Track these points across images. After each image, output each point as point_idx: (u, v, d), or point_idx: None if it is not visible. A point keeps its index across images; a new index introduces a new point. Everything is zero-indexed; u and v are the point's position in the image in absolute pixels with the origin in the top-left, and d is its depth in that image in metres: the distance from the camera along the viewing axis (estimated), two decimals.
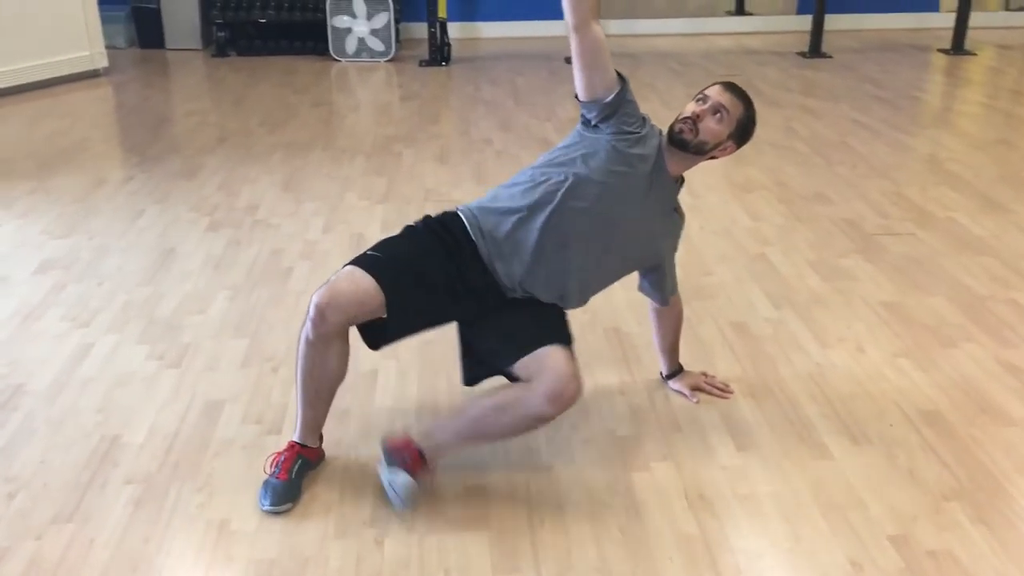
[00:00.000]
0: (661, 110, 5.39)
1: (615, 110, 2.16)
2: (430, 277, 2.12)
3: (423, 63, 6.72)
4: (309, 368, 2.12)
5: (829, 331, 2.87)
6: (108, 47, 6.65)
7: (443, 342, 2.58)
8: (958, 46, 6.93)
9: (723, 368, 2.67)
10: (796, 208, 3.88)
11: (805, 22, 7.03)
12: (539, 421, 2.03)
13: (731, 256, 3.43)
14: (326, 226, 3.71)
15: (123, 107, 5.75)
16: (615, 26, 7.81)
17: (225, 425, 2.42)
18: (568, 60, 6.64)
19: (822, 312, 2.99)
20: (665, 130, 2.24)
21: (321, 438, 2.24)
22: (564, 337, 2.12)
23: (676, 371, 2.58)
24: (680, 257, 3.35)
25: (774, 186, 4.14)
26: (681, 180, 2.33)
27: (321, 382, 2.15)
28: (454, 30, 7.33)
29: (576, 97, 2.20)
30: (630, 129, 2.17)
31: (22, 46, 5.79)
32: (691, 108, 2.21)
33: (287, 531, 2.04)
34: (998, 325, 2.89)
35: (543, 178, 2.17)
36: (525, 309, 2.19)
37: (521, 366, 2.06)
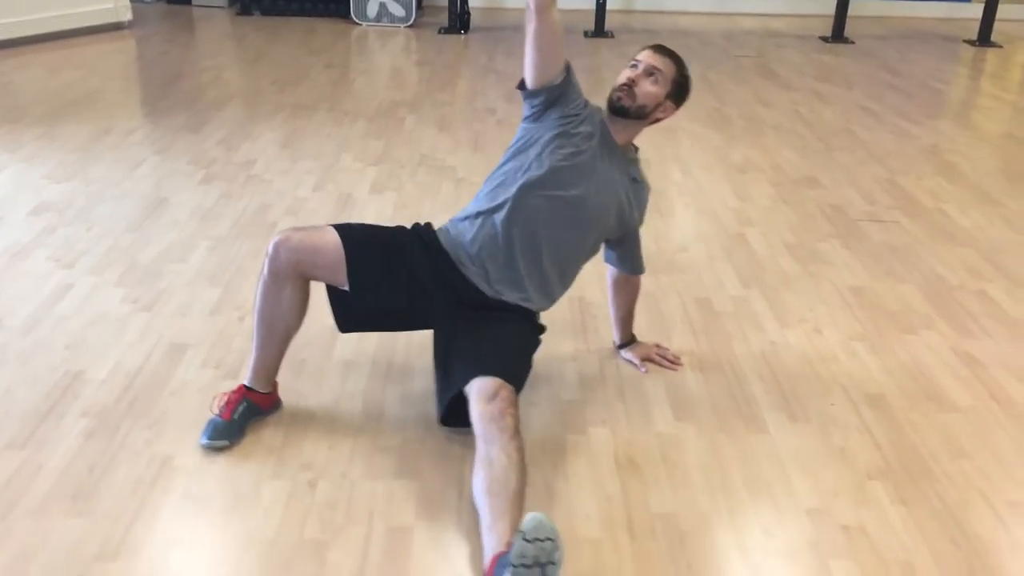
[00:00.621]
0: None
1: (563, 93, 2.20)
2: (397, 260, 2.20)
3: (442, 30, 6.75)
4: (261, 307, 2.20)
5: (791, 312, 2.90)
6: (134, 1, 6.76)
7: None
8: (984, 37, 6.82)
9: (678, 341, 2.71)
10: (785, 191, 3.88)
11: (833, 6, 6.94)
12: (502, 435, 1.92)
13: (710, 234, 3.45)
14: (317, 184, 3.78)
15: (141, 60, 5.86)
16: (641, 2, 7.78)
17: (185, 367, 2.50)
18: (587, 34, 6.68)
19: (788, 293, 3.01)
20: (604, 104, 2.27)
21: (274, 387, 2.32)
22: (505, 372, 2.05)
23: (629, 341, 2.62)
24: (658, 231, 3.43)
25: (768, 168, 4.14)
26: (635, 150, 2.36)
27: (273, 323, 2.21)
28: None
29: (521, 88, 2.24)
30: (574, 111, 2.22)
31: None
32: (626, 75, 2.25)
33: (225, 469, 2.12)
34: (962, 315, 2.90)
35: (501, 179, 2.24)
36: (491, 333, 2.18)
37: (468, 389, 2.04)
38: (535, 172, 2.19)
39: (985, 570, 1.88)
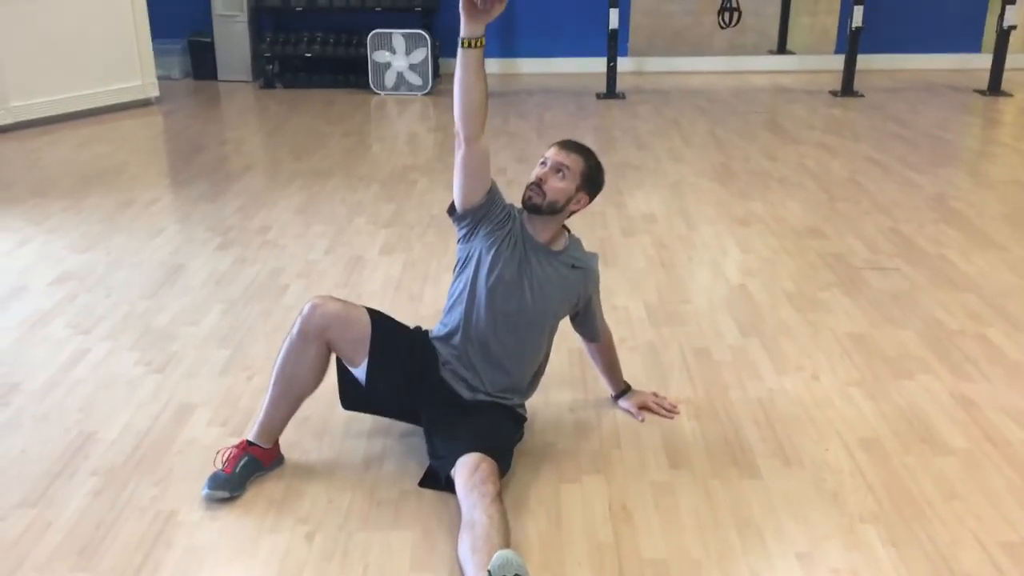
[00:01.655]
0: (681, 147, 5.49)
1: (487, 211, 2.33)
2: (414, 358, 2.37)
3: None
4: (283, 363, 2.30)
5: (789, 359, 2.92)
6: (163, 78, 7.03)
7: None
8: (994, 87, 6.88)
9: (676, 390, 2.75)
10: (787, 242, 3.93)
11: (842, 62, 7.04)
12: (483, 500, 2.02)
13: (711, 286, 3.50)
14: (329, 248, 3.89)
15: (166, 134, 6.08)
16: (653, 63, 7.93)
17: (192, 426, 2.58)
18: (599, 95, 6.84)
19: (787, 341, 3.04)
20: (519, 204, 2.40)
21: (276, 444, 2.38)
22: (487, 448, 2.18)
23: (624, 391, 2.66)
24: (660, 284, 3.50)
25: (772, 220, 4.19)
26: (567, 235, 2.46)
27: (291, 382, 2.31)
28: (494, 65, 7.53)
29: (450, 213, 2.37)
30: (497, 224, 2.34)
31: (79, 76, 6.17)
32: (535, 173, 2.36)
33: (226, 523, 2.18)
34: (960, 360, 2.91)
35: (451, 302, 2.41)
36: (474, 417, 2.33)
37: (454, 472, 2.16)
38: (475, 298, 2.35)
39: None
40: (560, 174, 2.33)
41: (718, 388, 2.76)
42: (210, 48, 7.54)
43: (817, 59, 7.96)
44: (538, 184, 2.32)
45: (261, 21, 7.55)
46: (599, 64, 7.01)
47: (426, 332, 2.48)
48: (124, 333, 3.14)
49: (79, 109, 6.20)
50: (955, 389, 2.73)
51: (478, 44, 2.14)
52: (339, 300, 2.34)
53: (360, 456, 2.44)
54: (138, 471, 2.38)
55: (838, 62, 7.08)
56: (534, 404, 2.65)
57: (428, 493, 2.28)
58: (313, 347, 2.28)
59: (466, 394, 2.37)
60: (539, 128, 5.98)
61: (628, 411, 2.63)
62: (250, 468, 2.31)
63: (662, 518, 2.18)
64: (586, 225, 4.10)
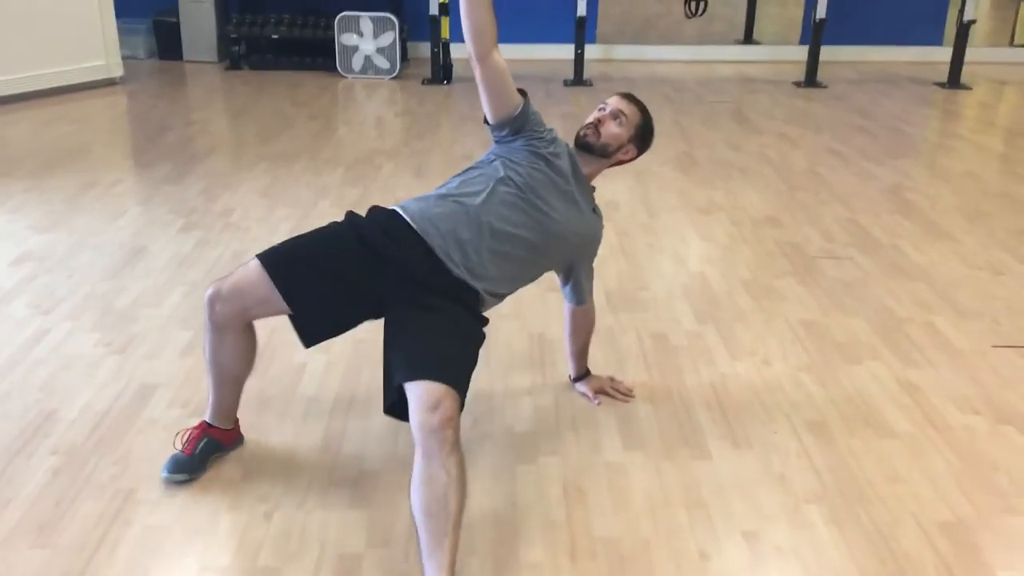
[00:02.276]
0: None
1: (524, 123, 2.34)
2: (329, 265, 2.18)
3: (425, 81, 6.94)
4: (210, 355, 2.27)
5: (742, 345, 2.99)
6: (128, 58, 6.96)
7: (375, 341, 2.72)
8: (954, 80, 7.00)
9: (632, 374, 2.80)
10: (746, 231, 4.00)
11: (807, 53, 7.13)
12: (441, 449, 1.91)
13: (670, 273, 3.56)
14: (292, 230, 3.89)
15: (130, 115, 6.04)
16: (621, 51, 7.98)
17: (153, 407, 2.60)
18: (567, 82, 6.88)
19: (741, 328, 3.11)
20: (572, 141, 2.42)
21: (236, 423, 2.41)
22: (445, 375, 1.99)
23: (583, 375, 2.72)
24: (620, 271, 3.55)
25: (732, 209, 4.26)
26: (592, 188, 2.49)
27: (221, 368, 2.28)
28: (462, 50, 7.52)
29: (485, 122, 2.38)
30: (540, 133, 2.35)
31: (40, 54, 6.10)
32: (594, 115, 2.41)
33: (185, 502, 2.21)
34: (908, 346, 2.99)
35: (477, 175, 2.32)
36: (432, 324, 2.13)
37: (408, 389, 2.00)
38: (508, 178, 2.27)
39: None
40: (618, 120, 2.39)
41: (673, 372, 2.83)
42: (175, 28, 7.47)
43: (782, 49, 8.04)
44: (595, 125, 2.38)
45: (227, 1, 7.49)
46: (567, 51, 7.04)
47: (375, 210, 2.33)
48: (85, 314, 3.14)
49: (42, 88, 6.13)
50: (901, 375, 2.82)
51: None
52: (229, 276, 2.19)
53: (319, 437, 2.48)
54: (98, 450, 2.40)
55: (803, 53, 7.17)
56: (492, 389, 2.71)
57: (386, 473, 2.32)
58: (229, 334, 2.21)
59: (447, 261, 2.18)
60: None
61: (585, 395, 2.68)
62: (209, 449, 2.33)
63: (614, 498, 2.24)
64: None
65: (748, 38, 8.65)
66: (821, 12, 6.83)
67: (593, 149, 2.40)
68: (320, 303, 2.19)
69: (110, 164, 4.89)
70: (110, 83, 6.58)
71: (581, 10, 6.72)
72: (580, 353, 2.72)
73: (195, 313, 3.15)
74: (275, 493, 2.25)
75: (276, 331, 2.86)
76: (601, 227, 2.55)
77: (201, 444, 2.32)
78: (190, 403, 2.61)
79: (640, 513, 2.19)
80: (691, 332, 3.08)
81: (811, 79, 6.98)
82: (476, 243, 2.21)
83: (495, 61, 2.25)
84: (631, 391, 2.70)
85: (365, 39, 7.05)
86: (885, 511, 2.20)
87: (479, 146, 5.20)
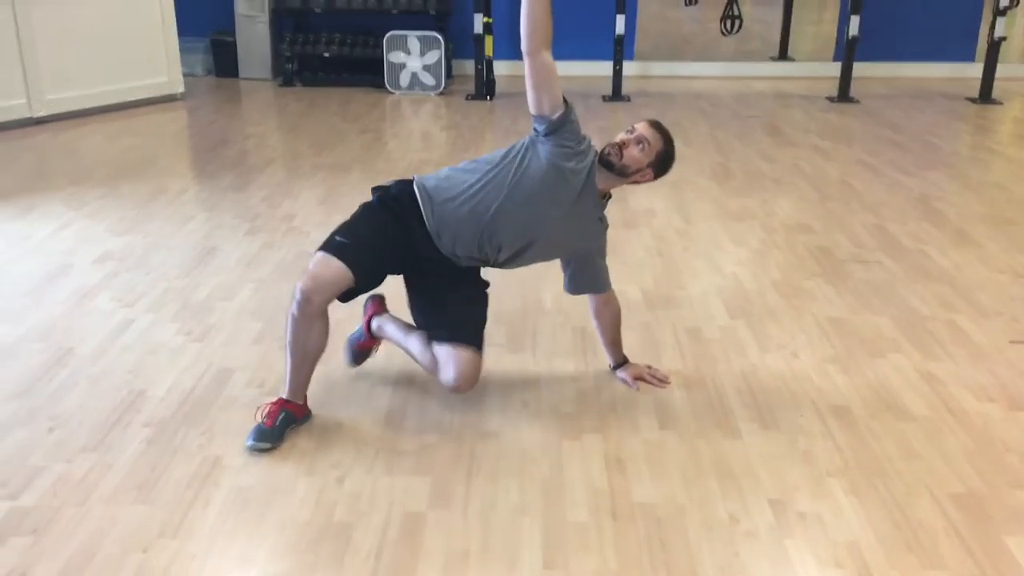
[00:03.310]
0: (682, 148, 5.73)
1: (558, 127, 2.61)
2: (386, 251, 2.65)
3: (469, 97, 7.22)
4: (295, 339, 2.56)
5: (772, 339, 3.20)
6: (187, 75, 7.33)
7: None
8: (985, 95, 7.15)
9: (668, 364, 3.02)
10: (777, 236, 4.21)
11: (840, 68, 7.31)
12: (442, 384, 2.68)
13: (704, 274, 3.78)
14: None
15: (191, 128, 6.38)
16: (658, 68, 8.22)
17: (232, 387, 2.87)
18: (605, 98, 7.13)
19: (772, 323, 3.32)
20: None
21: (305, 399, 2.67)
22: (477, 340, 2.71)
23: (622, 362, 2.94)
24: (656, 272, 3.78)
25: (764, 217, 4.47)
26: (608, 196, 2.76)
27: (305, 352, 2.58)
28: (504, 67, 7.83)
29: (531, 113, 2.65)
30: (568, 144, 2.61)
31: (109, 71, 6.47)
32: (620, 137, 2.66)
33: (266, 467, 2.47)
34: (929, 341, 3.19)
35: (491, 176, 2.62)
36: (458, 300, 2.74)
37: (440, 348, 2.68)
38: (519, 187, 2.60)
39: (920, 547, 2.16)
40: (641, 146, 2.64)
41: (706, 362, 3.04)
42: (232, 47, 7.84)
43: (817, 66, 8.23)
44: (620, 147, 2.64)
45: (282, 21, 7.85)
46: (606, 68, 7.29)
47: (411, 189, 2.69)
48: (164, 307, 3.43)
49: (109, 103, 6.50)
50: (922, 367, 3.01)
51: None
52: (318, 271, 2.52)
53: (383, 414, 2.73)
54: (185, 423, 2.67)
55: (837, 69, 7.36)
56: (539, 375, 2.95)
57: (444, 445, 2.56)
58: (317, 321, 2.54)
59: (442, 248, 2.66)
60: None
61: (624, 381, 2.91)
62: (287, 421, 2.60)
63: (652, 470, 2.46)
64: None
65: (783, 55, 8.85)
66: (853, 30, 7.02)
67: (613, 168, 2.66)
68: (374, 277, 2.69)
69: (175, 174, 5.22)
70: (171, 99, 6.94)
71: (619, 28, 6.98)
72: (613, 342, 2.95)
73: (264, 306, 3.42)
74: (346, 460, 2.50)
75: (341, 322, 3.13)
76: (604, 231, 2.81)
77: (280, 417, 2.58)
78: (265, 383, 2.87)
79: (675, 483, 2.41)
80: (724, 327, 3.30)
81: (844, 94, 7.16)
82: (478, 247, 2.65)
83: (544, 58, 2.56)
84: (667, 378, 2.92)
85: (412, 57, 7.36)
86: (901, 484, 2.40)
87: None
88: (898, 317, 3.37)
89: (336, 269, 2.53)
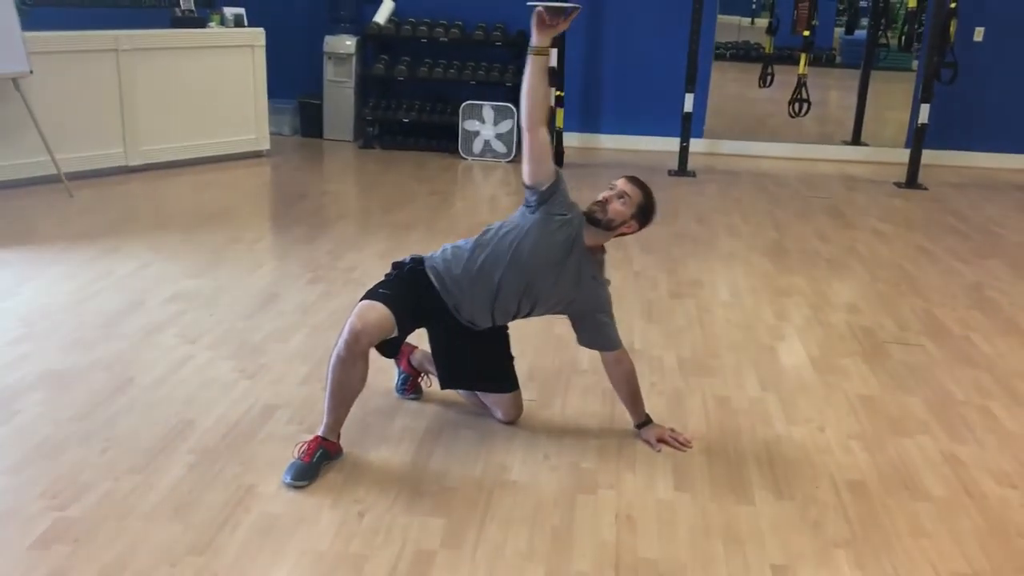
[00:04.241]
0: (739, 223, 5.85)
1: (549, 197, 2.83)
2: (417, 308, 2.87)
3: None
4: (338, 380, 2.75)
5: (800, 412, 3.25)
6: (275, 134, 7.73)
7: (455, 395, 3.13)
8: None
9: (692, 428, 3.10)
10: (822, 314, 4.25)
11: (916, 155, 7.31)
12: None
13: (742, 346, 3.85)
14: None
15: (273, 183, 6.73)
16: (727, 146, 8.34)
17: (275, 422, 3.05)
18: (670, 172, 7.27)
19: (802, 397, 3.37)
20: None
21: (339, 437, 2.83)
22: (515, 384, 3.09)
23: (644, 422, 3.03)
24: (696, 341, 3.86)
25: (811, 294, 4.52)
26: (602, 251, 2.96)
27: (345, 392, 2.77)
28: (575, 139, 8.06)
29: (524, 184, 2.87)
30: (558, 213, 2.83)
31: (202, 127, 6.89)
32: (603, 194, 2.88)
33: (294, 498, 2.62)
34: (959, 425, 3.19)
35: (490, 250, 2.86)
36: (489, 353, 3.05)
37: (487, 396, 3.08)
38: (514, 260, 2.83)
39: None
40: (623, 200, 2.85)
41: (731, 431, 3.11)
42: (318, 109, 8.25)
43: (887, 151, 8.24)
44: (603, 203, 2.86)
45: (366, 87, 8.24)
46: (674, 143, 7.45)
47: (415, 264, 2.94)
48: (224, 345, 3.65)
49: (199, 156, 6.91)
50: (947, 449, 3.02)
51: (544, 52, 2.74)
52: (366, 314, 2.73)
53: (410, 457, 2.87)
54: (227, 453, 2.85)
55: (907, 156, 7.36)
56: (565, 430, 3.06)
57: (464, 489, 2.68)
58: (360, 362, 2.75)
59: (460, 318, 2.91)
60: None
61: (647, 442, 2.99)
62: (323, 458, 2.76)
63: (661, 528, 2.54)
64: (638, 286, 4.51)
65: (856, 139, 8.88)
66: (923, 118, 7.05)
67: (600, 223, 2.87)
68: (410, 328, 2.91)
69: (252, 224, 5.53)
70: (257, 155, 7.34)
71: (688, 107, 7.15)
72: (629, 400, 3.06)
73: (315, 351, 3.62)
74: (369, 497, 2.64)
75: (381, 371, 3.30)
76: (604, 291, 2.98)
77: (317, 454, 2.74)
78: (305, 421, 3.04)
79: (681, 542, 2.48)
80: (753, 398, 3.36)
81: (912, 181, 7.16)
82: (491, 315, 2.91)
83: (542, 134, 2.80)
84: (689, 442, 3.00)
85: (486, 125, 7.64)
86: (907, 560, 2.42)
87: None
88: (931, 399, 3.38)
89: (382, 313, 2.75)
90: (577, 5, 2.74)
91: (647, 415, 3.04)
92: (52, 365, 3.41)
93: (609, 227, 2.86)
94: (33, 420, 3.01)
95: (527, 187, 2.85)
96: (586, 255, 2.89)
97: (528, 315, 2.97)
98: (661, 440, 2.99)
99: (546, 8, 2.68)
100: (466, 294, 2.87)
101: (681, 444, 2.98)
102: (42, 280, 4.30)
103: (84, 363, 3.44)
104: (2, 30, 5.40)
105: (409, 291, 2.88)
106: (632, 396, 3.03)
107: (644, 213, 2.89)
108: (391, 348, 2.97)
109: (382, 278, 2.98)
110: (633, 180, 2.91)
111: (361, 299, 2.82)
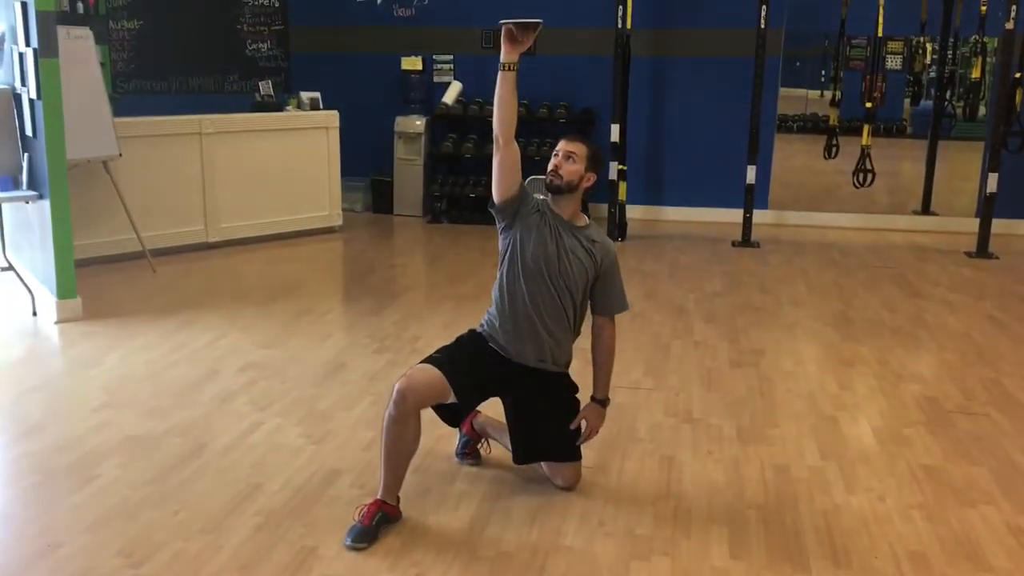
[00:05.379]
0: (804, 293, 5.84)
1: (521, 202, 3.01)
2: (477, 368, 2.99)
3: None
4: (391, 440, 2.85)
5: (860, 482, 3.22)
6: (347, 210, 8.01)
7: (503, 454, 3.20)
8: None
9: (750, 497, 3.10)
10: (886, 384, 4.21)
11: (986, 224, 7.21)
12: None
13: (802, 415, 3.83)
14: None
15: (344, 257, 6.97)
16: (792, 216, 8.34)
17: (338, 487, 3.15)
18: (734, 243, 7.30)
19: (863, 467, 3.34)
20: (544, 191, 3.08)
21: (398, 500, 2.91)
22: (574, 454, 3.18)
23: (602, 400, 3.19)
24: (756, 410, 3.87)
25: (875, 364, 4.48)
26: (587, 223, 3.10)
27: (400, 452, 2.87)
28: (639, 211, 8.16)
29: (491, 208, 3.05)
30: (531, 212, 3.01)
31: (277, 204, 7.19)
32: (552, 163, 3.03)
33: (355, 560, 2.70)
34: None
35: (507, 281, 3.05)
36: (561, 423, 3.15)
37: (551, 465, 3.19)
38: (520, 276, 3.00)
39: None
40: (570, 159, 3.01)
41: (789, 499, 3.10)
42: (389, 186, 8.53)
43: (957, 221, 8.13)
44: (555, 170, 3.02)
45: (434, 165, 8.51)
46: (738, 215, 7.50)
47: (472, 334, 3.12)
48: (292, 412, 3.79)
49: (275, 232, 7.19)
50: (1012, 520, 2.96)
51: (513, 68, 2.91)
52: (415, 374, 2.90)
53: (467, 521, 2.93)
54: (292, 515, 2.95)
55: (976, 225, 7.27)
56: (621, 497, 3.09)
57: (520, 554, 2.73)
58: (412, 420, 2.88)
59: (533, 362, 3.05)
60: (671, 270, 6.49)
61: (585, 419, 3.18)
62: (382, 521, 2.84)
63: None
64: (697, 355, 4.53)
65: (926, 209, 8.80)
66: (991, 187, 6.98)
67: (561, 189, 3.02)
68: (470, 394, 3.00)
69: (323, 296, 5.73)
70: (330, 231, 7.60)
71: (750, 178, 7.21)
72: (605, 368, 3.19)
73: (378, 418, 3.65)
74: (427, 560, 2.70)
75: (443, 438, 3.39)
76: (609, 249, 3.11)
77: (376, 517, 2.83)
78: (367, 486, 3.14)
79: None
80: (812, 467, 3.34)
81: (982, 250, 7.06)
82: (547, 331, 3.05)
83: (514, 147, 2.96)
84: (592, 435, 3.18)
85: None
86: None
87: (640, 297, 5.68)
88: (996, 469, 3.32)
89: (431, 373, 2.88)
90: (539, 20, 2.89)
91: (608, 397, 3.20)
92: (130, 431, 3.58)
93: (571, 188, 3.02)
94: (111, 483, 3.16)
95: (497, 210, 3.02)
96: (570, 225, 3.04)
97: (577, 307, 3.07)
98: (586, 420, 3.16)
99: (515, 25, 2.87)
100: (514, 335, 3.01)
101: (587, 438, 3.18)
102: (124, 351, 4.52)
103: (160, 430, 3.60)
104: (94, 116, 5.77)
105: (465, 356, 2.99)
106: (607, 366, 3.19)
107: (595, 161, 3.06)
108: (454, 416, 3.06)
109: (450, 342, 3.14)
110: (571, 137, 3.08)
111: (419, 362, 2.96)
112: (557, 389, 3.16)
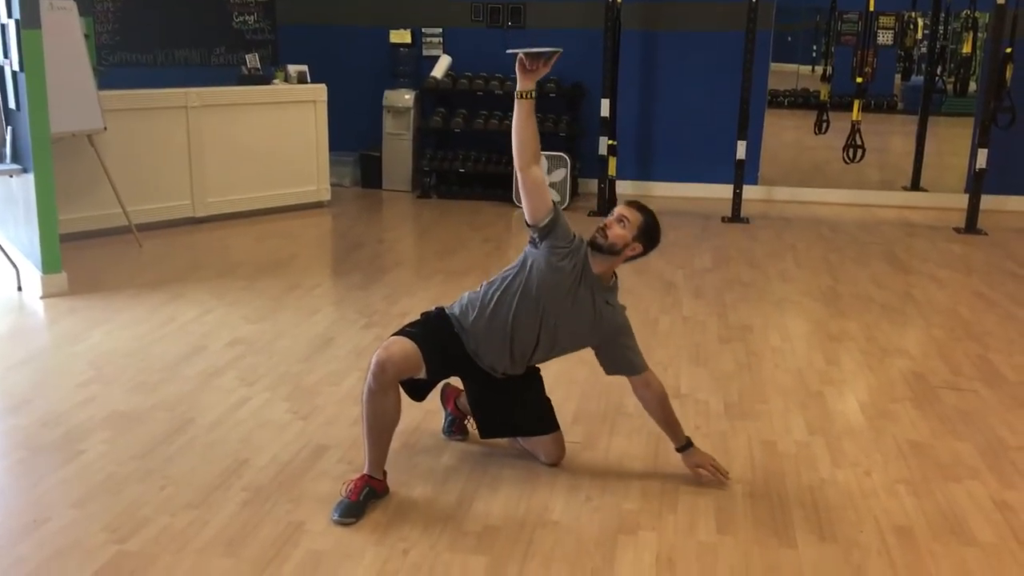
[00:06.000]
0: (792, 268, 5.84)
1: (550, 231, 2.92)
2: (446, 347, 2.96)
3: (591, 213, 7.53)
4: (373, 413, 2.84)
5: (847, 456, 3.23)
6: (335, 185, 7.97)
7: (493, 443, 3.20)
8: None
9: (737, 472, 3.10)
10: (872, 359, 4.22)
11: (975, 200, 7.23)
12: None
13: (790, 390, 3.84)
14: None
15: (333, 233, 6.93)
16: (782, 192, 8.33)
17: (325, 462, 3.14)
18: (724, 219, 7.29)
19: (849, 442, 3.35)
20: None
21: (384, 474, 2.91)
22: (555, 424, 3.16)
23: (685, 445, 3.08)
24: (743, 386, 3.87)
25: (863, 340, 4.49)
26: (614, 279, 3.05)
27: (383, 424, 2.86)
28: (629, 186, 8.14)
29: (525, 223, 2.97)
30: (560, 245, 2.92)
31: (265, 179, 7.14)
32: (604, 221, 2.96)
33: (341, 535, 2.70)
34: (1010, 471, 3.14)
35: (501, 291, 2.95)
36: (522, 402, 3.13)
37: (527, 440, 3.15)
38: (520, 293, 2.92)
39: None
40: (622, 223, 2.94)
41: (775, 474, 3.11)
42: (378, 161, 8.48)
43: (946, 197, 8.14)
44: (603, 229, 2.94)
45: (424, 139, 8.46)
46: (728, 190, 7.48)
47: (445, 314, 3.04)
48: (280, 387, 3.77)
49: (263, 207, 7.15)
50: (997, 495, 2.97)
51: (530, 96, 2.84)
52: (392, 346, 2.85)
53: (455, 496, 2.93)
54: (278, 491, 2.94)
55: (966, 201, 7.28)
56: (608, 472, 3.09)
57: (506, 528, 2.74)
58: (391, 392, 2.86)
59: (484, 365, 2.99)
60: (661, 246, 6.43)
61: (690, 467, 3.04)
62: (370, 496, 2.84)
63: (702, 571, 2.55)
64: (686, 330, 4.53)
65: (915, 185, 8.80)
66: (981, 163, 6.98)
67: (602, 249, 2.95)
68: (440, 370, 2.99)
69: (311, 272, 5.70)
70: (318, 205, 7.56)
71: (740, 154, 7.20)
72: (664, 423, 3.11)
73: None
74: (414, 535, 2.70)
75: (430, 413, 3.39)
76: (620, 316, 3.05)
77: (363, 492, 2.83)
78: (354, 462, 3.13)
79: None
80: (800, 442, 3.35)
81: (971, 226, 7.07)
82: (510, 357, 2.98)
83: (536, 172, 2.90)
84: (727, 475, 3.02)
85: None
86: None
87: (629, 272, 5.64)
88: (982, 445, 3.33)
89: (406, 345, 2.87)
90: (558, 48, 2.85)
91: (687, 438, 3.08)
92: (117, 406, 3.56)
93: (613, 251, 2.94)
94: (98, 458, 3.14)
95: (530, 226, 2.95)
96: (597, 282, 2.97)
97: (552, 352, 3.03)
98: (700, 467, 3.02)
99: (526, 54, 2.82)
100: (481, 338, 2.96)
101: (720, 474, 3.00)
102: (110, 326, 4.49)
103: (147, 405, 3.58)
104: (79, 90, 5.70)
105: (435, 334, 2.97)
106: (667, 419, 3.08)
107: (647, 234, 2.97)
108: (420, 391, 3.03)
109: (418, 318, 3.11)
110: (632, 204, 3.02)
111: (391, 335, 2.96)
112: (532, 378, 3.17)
